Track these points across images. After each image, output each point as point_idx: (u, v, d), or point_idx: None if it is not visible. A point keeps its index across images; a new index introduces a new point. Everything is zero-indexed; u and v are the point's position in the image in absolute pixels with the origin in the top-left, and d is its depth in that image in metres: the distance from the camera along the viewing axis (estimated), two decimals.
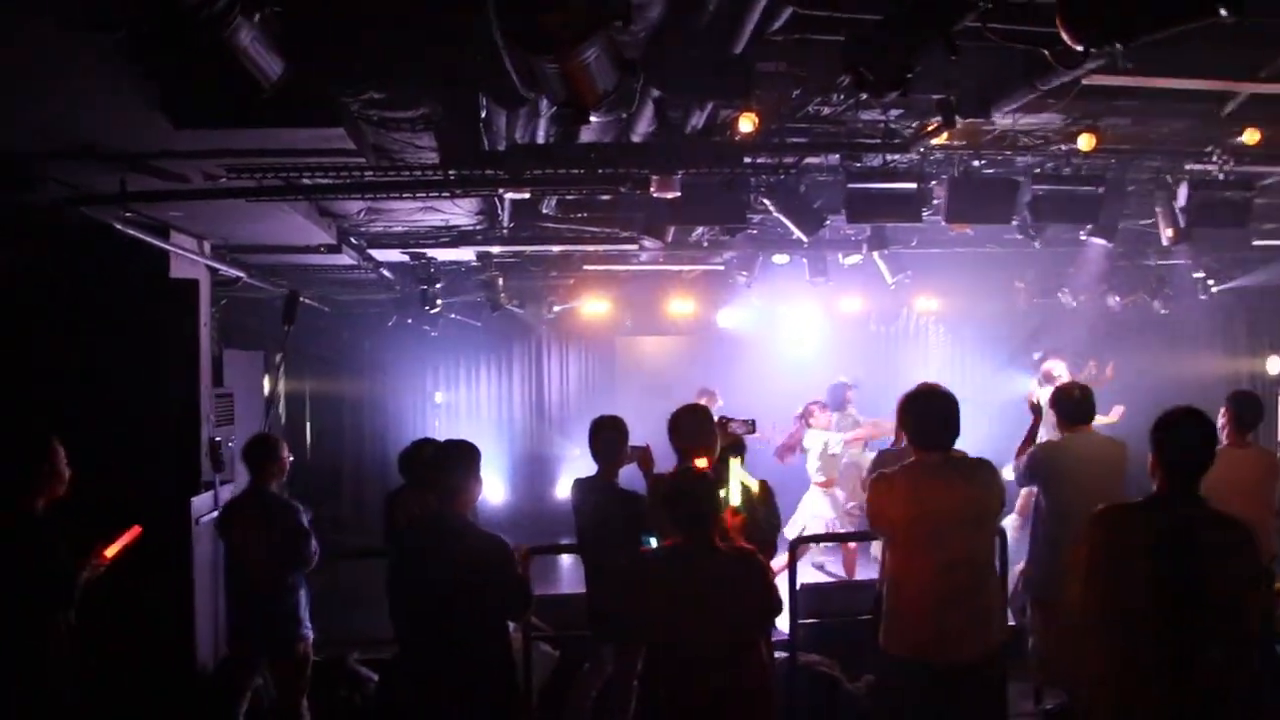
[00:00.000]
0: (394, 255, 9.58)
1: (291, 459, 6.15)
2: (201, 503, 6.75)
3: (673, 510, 4.06)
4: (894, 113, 6.17)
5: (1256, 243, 9.67)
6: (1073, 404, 5.85)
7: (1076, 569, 3.77)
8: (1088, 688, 3.77)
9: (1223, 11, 3.15)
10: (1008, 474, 6.24)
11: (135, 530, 4.75)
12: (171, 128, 4.37)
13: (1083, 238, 8.64)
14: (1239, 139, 6.21)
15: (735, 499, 4.63)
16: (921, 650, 4.25)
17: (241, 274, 8.08)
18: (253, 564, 5.78)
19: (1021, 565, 6.61)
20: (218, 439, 6.93)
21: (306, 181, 5.83)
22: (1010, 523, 8.27)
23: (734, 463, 4.72)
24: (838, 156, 6.79)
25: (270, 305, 9.46)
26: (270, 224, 6.95)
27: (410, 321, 12.87)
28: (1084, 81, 5.05)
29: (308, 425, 13.97)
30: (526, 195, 7.22)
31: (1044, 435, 6.50)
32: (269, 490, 5.89)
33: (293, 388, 13.44)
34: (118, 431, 6.16)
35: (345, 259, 8.70)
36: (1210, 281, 11.56)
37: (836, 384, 10.58)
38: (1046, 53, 4.18)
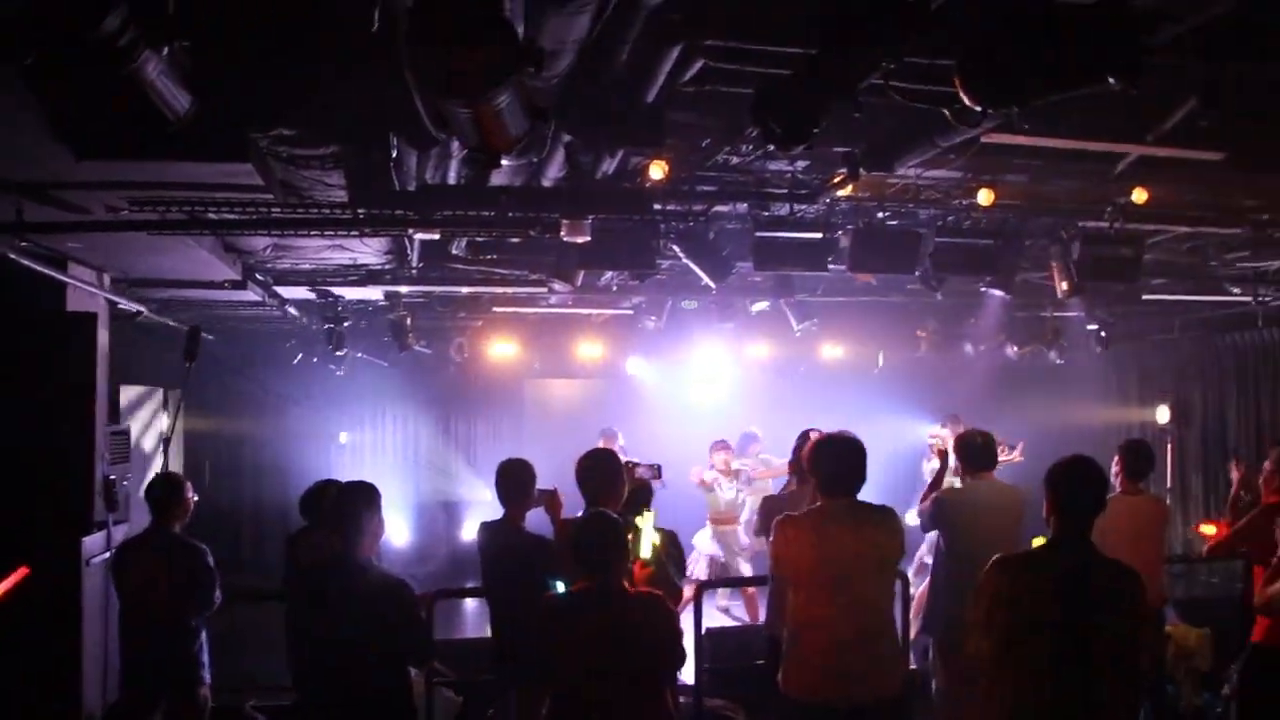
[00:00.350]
0: (301, 293, 9.45)
1: (196, 499, 5.99)
2: (93, 543, 6.53)
3: (579, 554, 4.04)
4: (801, 164, 6.29)
5: (1146, 297, 10.04)
6: (975, 450, 5.98)
7: (976, 615, 3.86)
8: None
9: (1111, 80, 3.30)
10: (911, 519, 6.37)
11: (23, 571, 4.60)
12: (72, 157, 4.27)
13: (981, 289, 8.88)
14: (1129, 198, 6.46)
15: (646, 552, 4.62)
16: (823, 692, 4.29)
17: (142, 308, 7.91)
18: (154, 605, 5.59)
19: (919, 607, 6.72)
20: (112, 477, 6.73)
21: (212, 216, 5.74)
22: (910, 570, 8.41)
23: (646, 516, 4.71)
24: (746, 205, 6.91)
25: (171, 340, 9.25)
26: (174, 258, 6.82)
27: (316, 360, 12.69)
28: (983, 140, 5.24)
29: (207, 464, 13.63)
30: (436, 236, 7.18)
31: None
32: (171, 531, 5.73)
33: (192, 425, 13.12)
34: (5, 468, 5.97)
35: (250, 295, 8.56)
36: (1103, 333, 11.93)
37: (746, 433, 10.83)
38: (947, 112, 4.31)
